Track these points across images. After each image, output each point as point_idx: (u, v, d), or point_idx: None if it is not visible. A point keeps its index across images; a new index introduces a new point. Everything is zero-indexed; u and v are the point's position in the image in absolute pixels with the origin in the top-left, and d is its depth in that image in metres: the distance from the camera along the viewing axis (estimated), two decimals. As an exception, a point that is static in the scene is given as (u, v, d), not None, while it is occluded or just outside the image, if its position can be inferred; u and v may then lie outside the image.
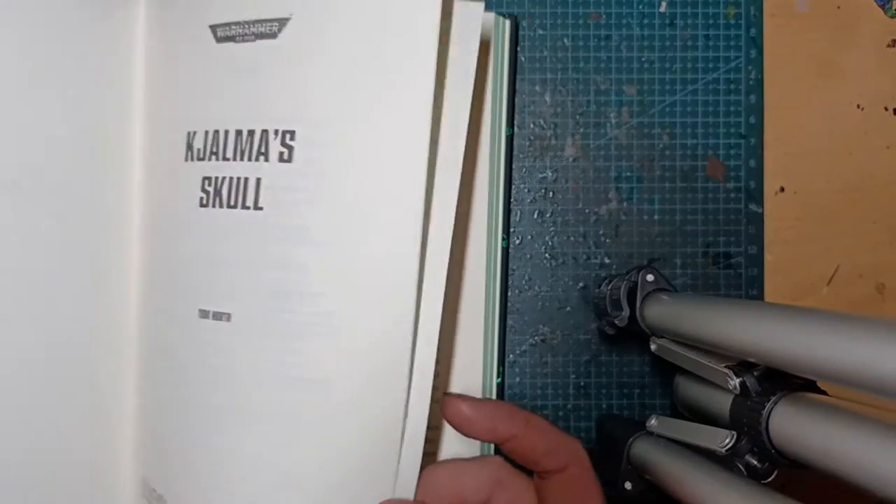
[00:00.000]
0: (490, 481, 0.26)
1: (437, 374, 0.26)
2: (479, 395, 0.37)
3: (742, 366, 0.29)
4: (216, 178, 0.27)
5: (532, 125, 0.39)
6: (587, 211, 0.39)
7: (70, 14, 0.28)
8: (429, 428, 0.26)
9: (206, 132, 0.27)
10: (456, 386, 0.37)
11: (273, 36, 0.26)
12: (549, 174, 0.39)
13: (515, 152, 0.39)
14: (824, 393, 0.27)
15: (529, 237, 0.39)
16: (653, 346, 0.34)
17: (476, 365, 0.37)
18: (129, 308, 0.30)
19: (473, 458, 0.27)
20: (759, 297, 0.39)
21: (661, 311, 0.33)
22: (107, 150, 0.29)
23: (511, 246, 0.39)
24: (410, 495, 0.26)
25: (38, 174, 0.28)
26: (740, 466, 0.28)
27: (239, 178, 0.26)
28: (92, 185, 0.29)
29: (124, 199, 0.30)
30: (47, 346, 0.28)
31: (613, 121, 0.39)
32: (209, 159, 0.27)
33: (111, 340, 0.30)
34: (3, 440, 0.28)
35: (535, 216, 0.39)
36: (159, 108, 0.30)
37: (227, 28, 0.27)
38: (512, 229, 0.39)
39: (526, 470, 0.27)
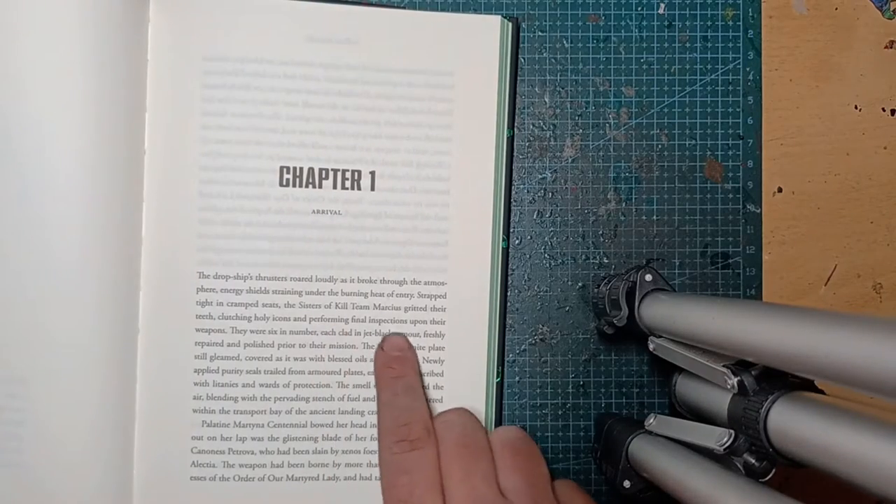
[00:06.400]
0: None
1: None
2: (481, 394, 0.37)
3: (740, 365, 0.29)
4: None
5: (531, 126, 0.39)
6: (586, 211, 0.39)
7: None
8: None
9: None
10: (457, 385, 0.37)
11: None
12: (549, 175, 0.39)
13: (514, 153, 0.39)
14: (822, 392, 0.27)
15: (529, 237, 0.39)
16: (651, 346, 0.34)
17: (477, 365, 0.38)
18: None
19: None
20: (758, 296, 0.40)
21: (660, 311, 0.33)
22: None
23: (510, 246, 0.39)
24: None
25: None
26: (738, 465, 0.28)
27: None
28: None
29: None
30: None
31: (612, 122, 0.39)
32: None
33: None
34: None
35: (535, 216, 0.39)
36: None
37: None
38: (511, 230, 0.39)
39: None
